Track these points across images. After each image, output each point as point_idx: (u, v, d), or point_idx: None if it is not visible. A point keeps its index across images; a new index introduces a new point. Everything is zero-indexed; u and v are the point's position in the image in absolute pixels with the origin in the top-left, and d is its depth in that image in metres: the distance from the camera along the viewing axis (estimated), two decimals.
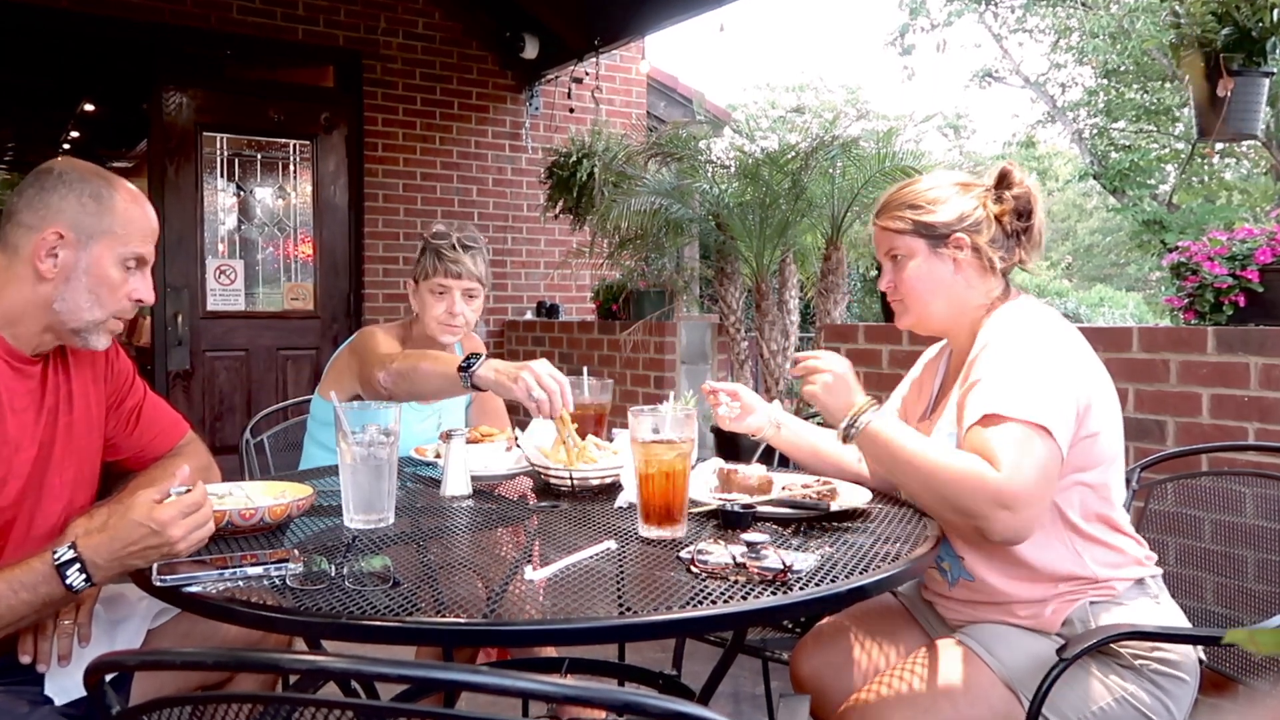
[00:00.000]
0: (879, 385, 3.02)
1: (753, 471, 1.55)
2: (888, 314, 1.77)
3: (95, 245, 1.38)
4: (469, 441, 1.83)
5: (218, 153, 4.97)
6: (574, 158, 4.90)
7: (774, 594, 1.09)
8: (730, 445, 4.02)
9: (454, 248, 2.09)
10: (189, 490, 1.23)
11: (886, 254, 1.55)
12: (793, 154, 3.89)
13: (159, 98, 4.78)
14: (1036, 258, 1.53)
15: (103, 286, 1.38)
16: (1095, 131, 15.61)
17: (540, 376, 1.64)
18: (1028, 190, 1.50)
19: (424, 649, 1.98)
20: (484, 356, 1.74)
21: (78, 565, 1.21)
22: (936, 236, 1.49)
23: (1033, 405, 1.30)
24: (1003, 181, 1.51)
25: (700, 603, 1.07)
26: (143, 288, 1.43)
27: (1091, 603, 1.38)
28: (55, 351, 1.47)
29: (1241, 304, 2.30)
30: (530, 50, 5.38)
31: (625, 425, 1.45)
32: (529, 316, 5.61)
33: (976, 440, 1.32)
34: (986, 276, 1.49)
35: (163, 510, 1.19)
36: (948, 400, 1.50)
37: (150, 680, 1.39)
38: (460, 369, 1.72)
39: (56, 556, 1.21)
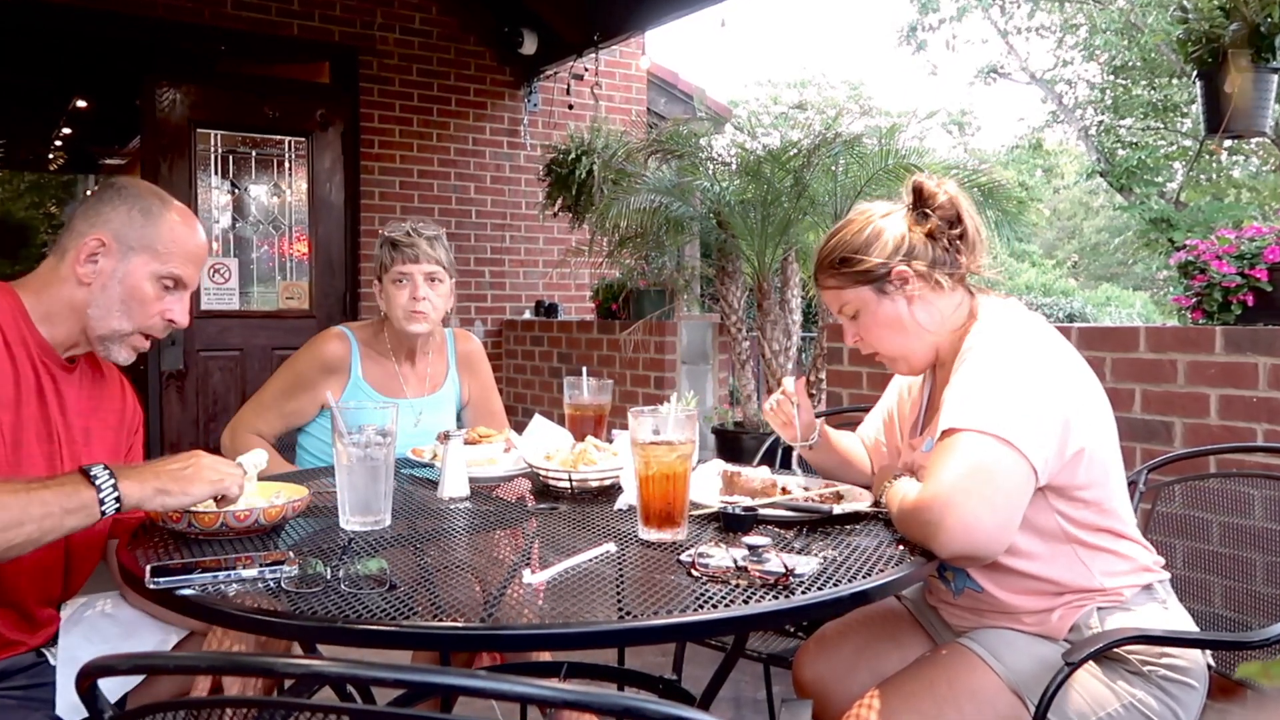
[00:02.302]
0: (882, 386, 3.00)
1: (756, 474, 1.54)
2: None
3: (134, 258, 1.42)
4: (466, 443, 1.81)
5: (212, 150, 4.94)
6: (573, 155, 4.88)
7: (776, 598, 1.08)
8: (732, 447, 4.00)
9: (408, 234, 2.10)
10: (243, 473, 1.36)
11: (839, 312, 1.51)
12: (795, 151, 3.87)
13: (152, 94, 4.75)
14: (983, 257, 1.47)
15: (134, 300, 1.42)
16: (1102, 129, 15.59)
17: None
18: (949, 197, 1.45)
19: (420, 652, 1.96)
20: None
21: (105, 468, 1.23)
22: (878, 279, 1.44)
23: (986, 416, 1.27)
24: (920, 198, 1.46)
25: (701, 607, 1.06)
26: (178, 309, 1.47)
27: (1099, 608, 1.36)
28: (86, 365, 1.49)
29: (1250, 303, 2.30)
30: (529, 45, 5.36)
31: (625, 426, 1.43)
32: (527, 316, 5.59)
33: (931, 459, 1.31)
34: (943, 295, 1.44)
35: (205, 455, 1.32)
36: (937, 417, 1.47)
37: (145, 689, 1.40)
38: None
39: (85, 467, 1.24)
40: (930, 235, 1.44)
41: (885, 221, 1.46)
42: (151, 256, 1.42)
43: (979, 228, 1.47)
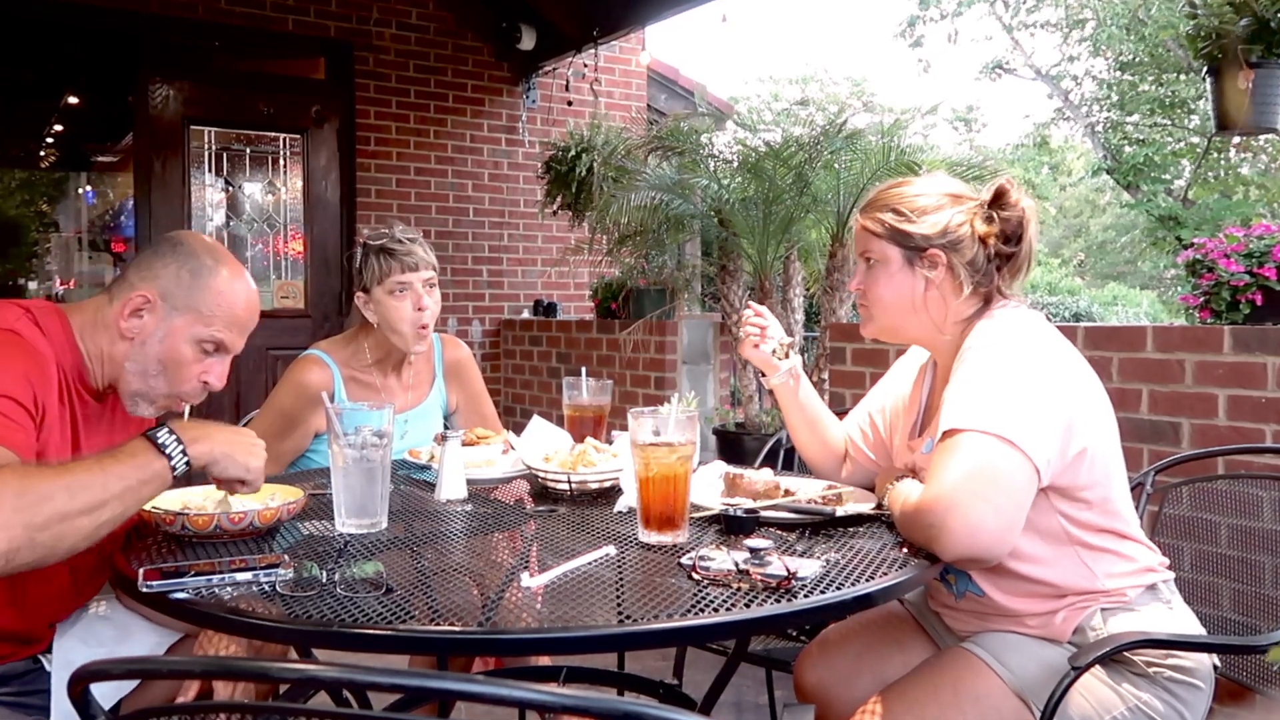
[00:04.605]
0: None
1: (758, 476, 1.52)
2: None
3: (177, 318, 1.40)
4: (464, 444, 1.79)
5: (206, 147, 4.92)
6: (572, 152, 4.86)
7: (778, 601, 1.07)
8: (734, 448, 3.98)
9: (400, 241, 2.04)
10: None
11: (861, 254, 1.51)
12: (796, 147, 3.85)
13: (145, 90, 4.74)
14: (1018, 286, 1.46)
15: (170, 361, 1.40)
16: (1109, 125, 15.50)
17: None
18: (1022, 212, 1.43)
19: (417, 657, 1.94)
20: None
21: (169, 432, 1.21)
22: (913, 248, 1.43)
23: (987, 415, 1.26)
24: (998, 199, 1.43)
25: (702, 610, 1.05)
26: (215, 373, 1.44)
27: (1103, 609, 1.35)
28: (115, 396, 1.48)
29: (1259, 302, 2.29)
30: (527, 41, 5.34)
31: (625, 427, 1.42)
32: (526, 315, 5.57)
33: (933, 460, 1.30)
34: (959, 296, 1.43)
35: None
36: (936, 418, 1.45)
37: (140, 693, 1.39)
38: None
39: (149, 432, 1.22)
40: (983, 240, 1.42)
41: (953, 203, 1.44)
42: (195, 318, 1.40)
43: (1031, 258, 1.46)
